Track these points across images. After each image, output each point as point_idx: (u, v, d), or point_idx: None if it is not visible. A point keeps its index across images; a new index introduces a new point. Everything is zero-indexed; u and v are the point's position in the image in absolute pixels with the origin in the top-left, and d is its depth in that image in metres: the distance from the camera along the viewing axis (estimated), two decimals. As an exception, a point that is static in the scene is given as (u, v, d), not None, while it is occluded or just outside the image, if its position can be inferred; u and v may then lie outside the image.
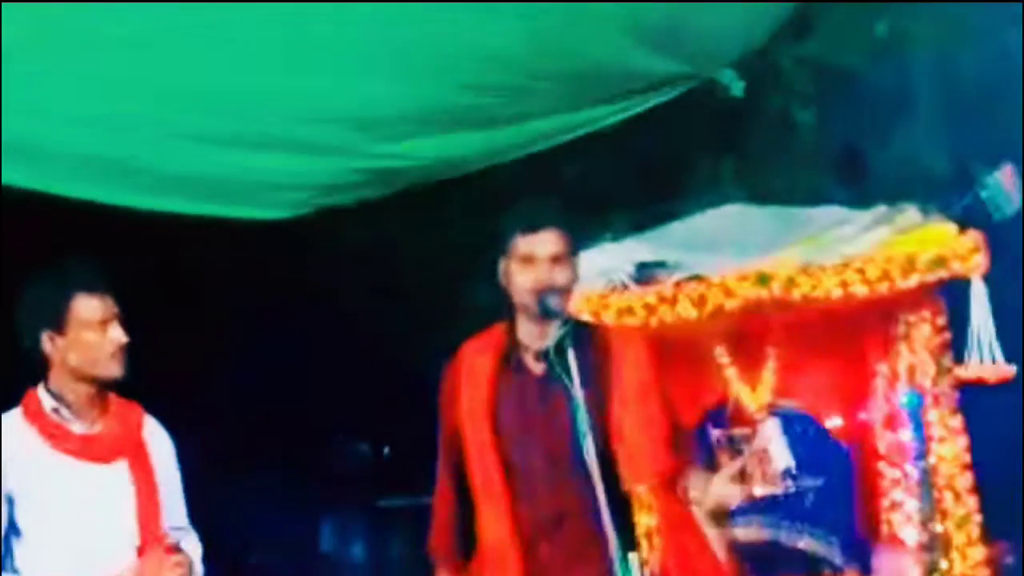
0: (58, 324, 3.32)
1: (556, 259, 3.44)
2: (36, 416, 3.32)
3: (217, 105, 4.24)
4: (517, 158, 4.88)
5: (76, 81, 4.01)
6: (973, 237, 4.29)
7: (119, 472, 3.27)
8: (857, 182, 4.76)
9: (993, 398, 4.16)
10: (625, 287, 4.72)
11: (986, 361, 4.11)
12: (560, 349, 3.30)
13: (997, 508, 4.30)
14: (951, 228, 4.36)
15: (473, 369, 3.51)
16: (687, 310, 4.61)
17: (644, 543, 3.61)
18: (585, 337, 3.44)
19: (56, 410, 3.36)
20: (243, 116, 4.30)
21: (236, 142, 4.42)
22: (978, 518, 4.24)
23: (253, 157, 4.50)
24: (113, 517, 3.25)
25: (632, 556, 3.51)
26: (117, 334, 3.31)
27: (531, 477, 3.42)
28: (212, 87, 4.16)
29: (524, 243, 3.45)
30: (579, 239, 4.71)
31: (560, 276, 3.42)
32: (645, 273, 4.72)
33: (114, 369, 3.32)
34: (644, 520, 3.66)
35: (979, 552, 4.22)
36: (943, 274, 4.30)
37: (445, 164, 4.85)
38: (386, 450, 6.32)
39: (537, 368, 3.47)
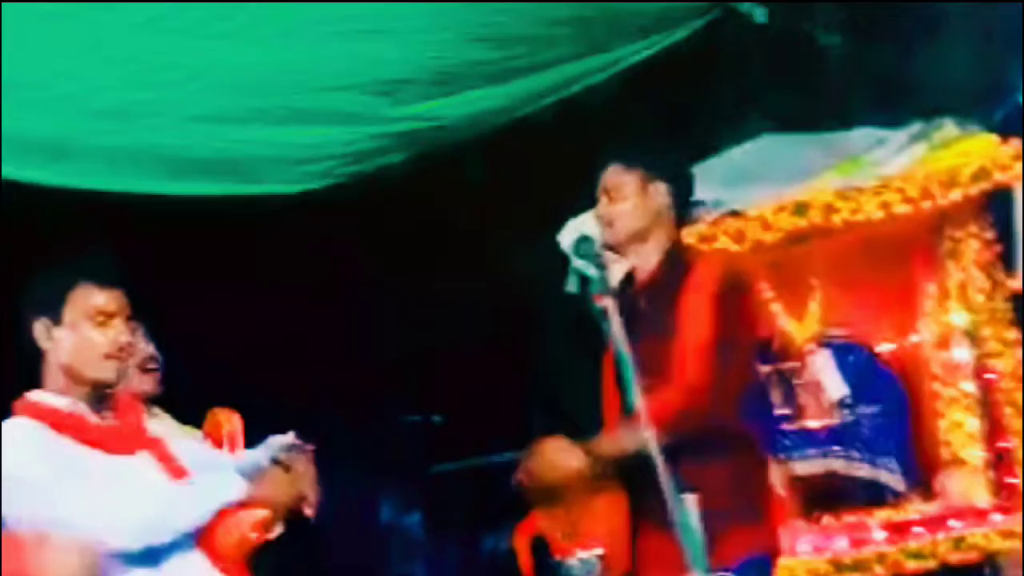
0: (55, 312, 3.00)
1: (610, 192, 3.36)
2: (46, 413, 2.99)
3: (233, 83, 4.23)
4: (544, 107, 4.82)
5: (90, 72, 3.99)
6: (1014, 145, 4.20)
7: (146, 461, 3.09)
8: (890, 103, 4.65)
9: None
10: (663, 228, 4.66)
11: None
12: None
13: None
14: (991, 138, 4.27)
15: None
16: (727, 246, 4.55)
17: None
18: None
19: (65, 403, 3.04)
20: (260, 92, 4.29)
21: (256, 118, 4.39)
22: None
23: (274, 132, 4.48)
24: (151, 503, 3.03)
25: (688, 497, 3.47)
26: (117, 333, 3.00)
27: None
28: (226, 65, 4.14)
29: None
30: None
31: (614, 209, 3.34)
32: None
33: (108, 372, 3.00)
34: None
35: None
36: (986, 185, 4.20)
37: (468, 122, 4.79)
38: (436, 419, 6.32)
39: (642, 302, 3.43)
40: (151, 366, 3.94)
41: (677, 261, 3.35)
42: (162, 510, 2.95)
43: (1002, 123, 4.34)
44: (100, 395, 3.07)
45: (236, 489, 2.93)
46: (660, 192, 3.36)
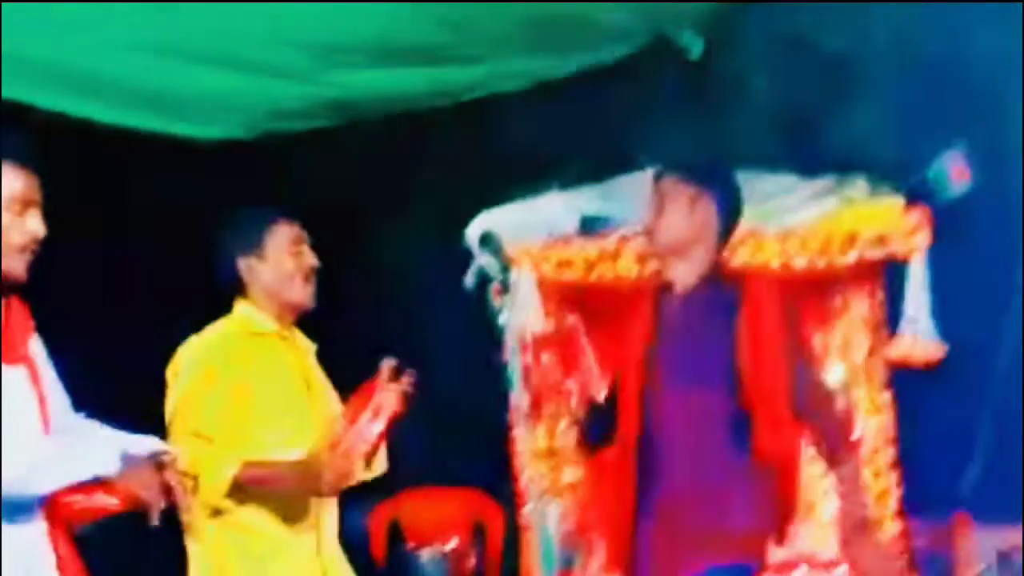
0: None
1: (658, 205, 3.40)
2: None
3: (169, 16, 4.15)
4: (466, 99, 4.85)
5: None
6: (917, 215, 4.30)
7: (20, 377, 2.76)
8: (807, 151, 4.75)
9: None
10: (567, 240, 4.72)
11: (920, 341, 4.14)
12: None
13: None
14: (897, 205, 4.37)
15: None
16: (628, 267, 4.62)
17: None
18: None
19: None
20: (200, 32, 4.23)
21: (192, 58, 4.35)
22: (897, 492, 4.32)
23: (207, 74, 4.44)
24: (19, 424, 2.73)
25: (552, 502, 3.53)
26: (34, 224, 2.74)
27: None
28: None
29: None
30: (525, 190, 4.72)
31: (661, 221, 3.37)
32: (590, 226, 4.72)
33: (19, 268, 2.75)
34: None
35: (894, 527, 4.29)
36: (882, 253, 4.33)
37: (393, 100, 4.80)
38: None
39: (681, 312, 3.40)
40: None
41: (720, 277, 3.39)
42: (42, 459, 2.66)
43: (911, 191, 4.43)
44: None
45: (112, 466, 2.67)
46: (710, 208, 3.36)
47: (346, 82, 4.61)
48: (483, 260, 3.80)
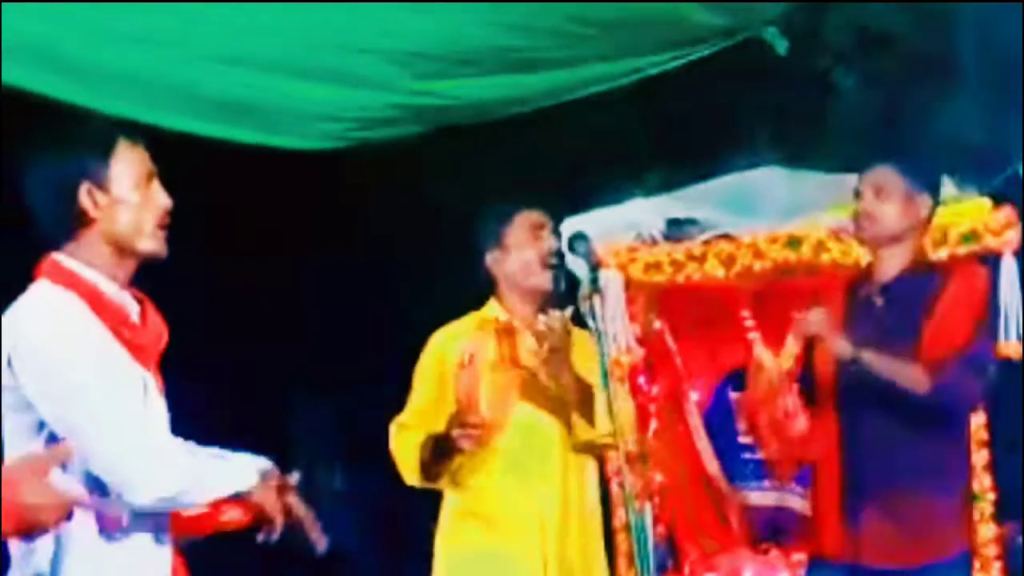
0: (100, 180, 2.57)
1: (880, 192, 3.46)
2: (90, 294, 2.55)
3: (256, 28, 4.21)
4: (556, 104, 4.86)
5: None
6: (1007, 212, 4.27)
7: (154, 385, 2.65)
8: (895, 152, 4.72)
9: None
10: (655, 242, 4.72)
11: (1011, 339, 4.09)
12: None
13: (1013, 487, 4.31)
14: (985, 203, 4.34)
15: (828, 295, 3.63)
16: (715, 268, 4.61)
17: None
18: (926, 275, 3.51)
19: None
20: (284, 42, 4.28)
21: (275, 68, 4.39)
22: (992, 496, 4.25)
23: (291, 84, 4.48)
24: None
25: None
26: (161, 196, 2.63)
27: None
28: (254, 10, 4.12)
29: (859, 181, 3.55)
30: (611, 192, 4.73)
31: (883, 208, 3.48)
32: (676, 230, 4.72)
33: (160, 244, 2.64)
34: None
35: (990, 530, 4.23)
36: (975, 248, 4.28)
37: (484, 106, 4.82)
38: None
39: (879, 300, 3.52)
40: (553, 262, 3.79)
41: (924, 271, 3.52)
42: (196, 471, 2.55)
43: (999, 188, 4.39)
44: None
45: (251, 481, 2.59)
46: (925, 204, 3.48)
47: (431, 89, 4.63)
48: (573, 262, 3.81)
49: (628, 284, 4.67)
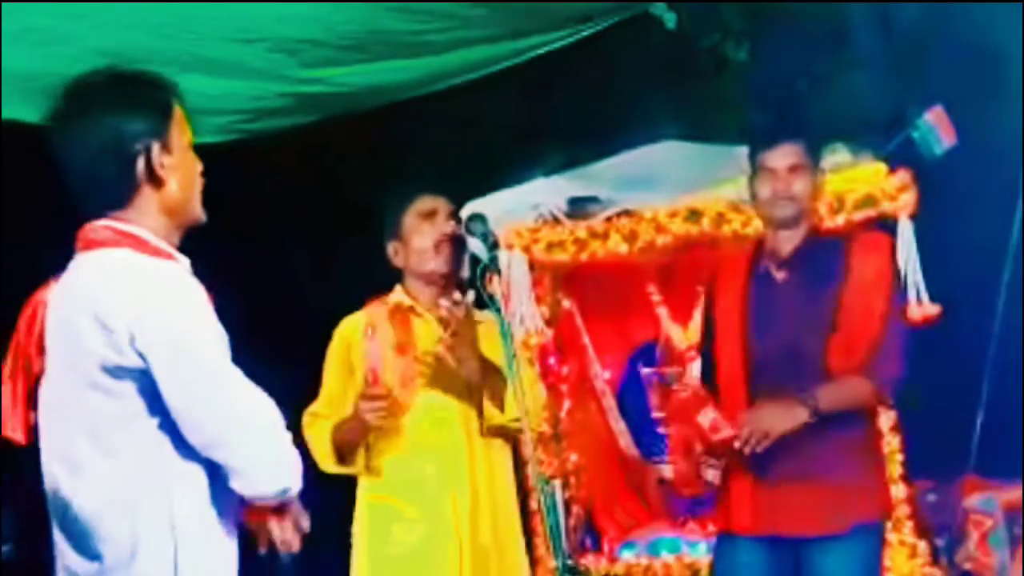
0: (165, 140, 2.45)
1: (794, 169, 3.44)
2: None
3: (141, 22, 4.11)
4: (447, 88, 4.82)
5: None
6: (902, 177, 4.31)
7: None
8: (787, 122, 4.75)
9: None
10: (557, 221, 4.71)
11: (910, 301, 4.13)
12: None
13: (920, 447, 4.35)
14: (880, 167, 4.38)
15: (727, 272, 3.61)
16: (618, 245, 4.61)
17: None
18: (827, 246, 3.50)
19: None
20: (163, 34, 4.18)
21: (160, 61, 4.28)
22: (900, 457, 4.30)
23: (177, 78, 4.35)
24: None
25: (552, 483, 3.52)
26: (199, 164, 2.52)
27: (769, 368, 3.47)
28: (133, 5, 4.03)
29: (765, 157, 3.49)
30: (511, 174, 4.70)
31: (797, 186, 3.44)
32: (577, 208, 4.71)
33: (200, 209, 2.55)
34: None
35: (900, 490, 4.27)
36: (871, 213, 4.32)
37: (375, 92, 4.77)
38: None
39: (779, 274, 3.50)
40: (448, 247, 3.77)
41: (822, 241, 3.51)
42: (297, 462, 2.44)
43: (893, 152, 4.43)
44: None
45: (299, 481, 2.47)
46: (821, 177, 3.49)
47: (320, 77, 4.56)
48: (472, 245, 3.77)
49: (533, 265, 4.67)
